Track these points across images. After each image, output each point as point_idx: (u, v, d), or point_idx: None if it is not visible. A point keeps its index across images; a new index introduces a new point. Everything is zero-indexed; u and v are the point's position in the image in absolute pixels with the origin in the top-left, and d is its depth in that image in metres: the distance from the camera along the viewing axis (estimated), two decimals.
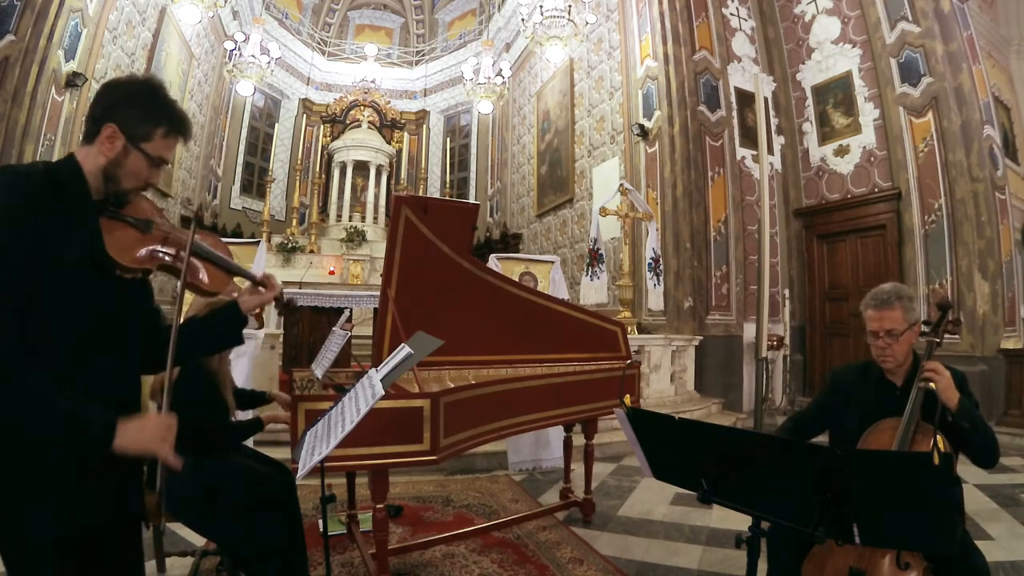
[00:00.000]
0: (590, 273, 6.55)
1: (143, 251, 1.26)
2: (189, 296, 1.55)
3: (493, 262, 5.31)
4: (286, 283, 8.25)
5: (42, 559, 1.12)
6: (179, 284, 1.30)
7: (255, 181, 13.13)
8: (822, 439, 2.04)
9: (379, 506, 2.13)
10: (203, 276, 1.39)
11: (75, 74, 6.44)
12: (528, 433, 3.44)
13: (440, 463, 2.07)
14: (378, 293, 2.65)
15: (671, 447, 1.47)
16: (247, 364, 4.18)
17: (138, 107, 1.22)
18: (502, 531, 3.07)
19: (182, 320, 1.32)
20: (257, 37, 10.59)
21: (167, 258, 1.30)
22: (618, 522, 3.36)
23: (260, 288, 1.46)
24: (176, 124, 1.27)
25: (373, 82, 13.85)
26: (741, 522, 1.68)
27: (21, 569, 1.12)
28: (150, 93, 1.25)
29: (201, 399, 2.08)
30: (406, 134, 14.19)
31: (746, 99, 7.51)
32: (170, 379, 1.26)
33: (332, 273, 10.64)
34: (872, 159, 7.01)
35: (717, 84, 7.53)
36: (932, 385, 1.67)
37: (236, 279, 1.51)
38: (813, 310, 7.75)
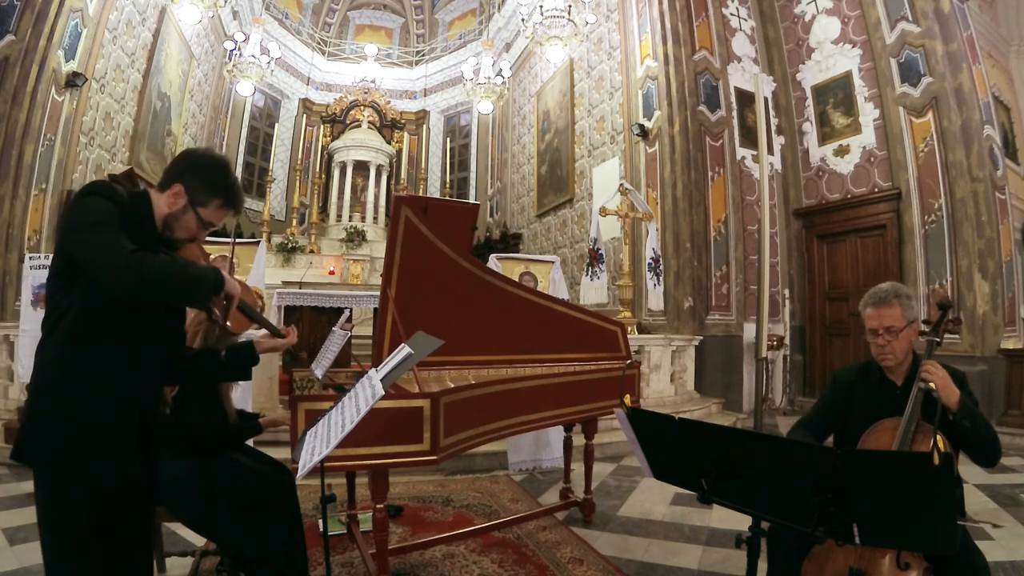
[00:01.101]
0: (590, 273, 6.55)
1: None
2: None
3: (493, 262, 5.30)
4: (286, 283, 8.25)
5: (82, 508, 1.29)
6: (217, 320, 1.54)
7: (255, 181, 13.13)
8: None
9: (379, 506, 2.13)
10: (230, 322, 1.65)
11: (75, 74, 6.44)
12: (528, 433, 3.44)
13: (440, 463, 2.07)
14: (378, 293, 2.65)
15: (671, 447, 1.47)
16: None
17: (204, 179, 1.48)
18: (502, 531, 3.07)
19: (196, 347, 1.67)
20: (257, 37, 10.59)
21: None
22: (618, 522, 3.36)
23: (277, 339, 1.79)
24: (230, 200, 1.54)
25: (373, 82, 13.86)
26: (741, 522, 1.68)
27: (60, 517, 1.30)
28: (217, 170, 1.52)
29: (202, 402, 2.09)
30: (406, 134, 14.19)
31: (746, 99, 7.50)
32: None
33: (332, 273, 10.65)
34: (872, 159, 7.01)
35: (717, 84, 7.53)
36: (932, 385, 1.67)
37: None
38: (813, 310, 7.75)
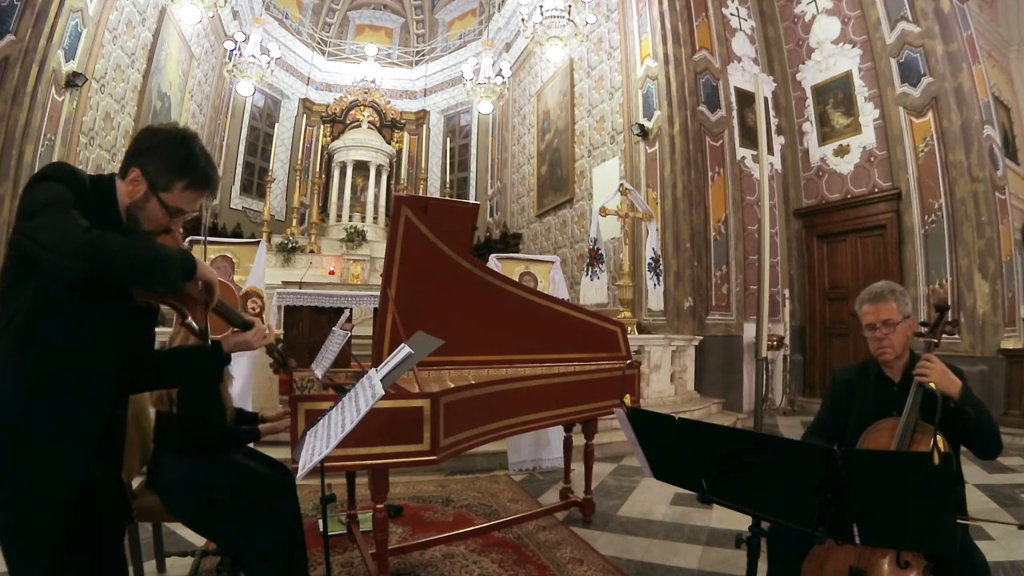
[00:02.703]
0: (590, 273, 6.55)
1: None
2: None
3: (493, 262, 5.30)
4: (286, 283, 8.25)
5: (43, 523, 1.18)
6: (192, 326, 1.40)
7: (255, 181, 13.13)
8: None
9: (379, 506, 2.13)
10: (200, 320, 1.45)
11: (75, 74, 6.44)
12: (528, 433, 3.44)
13: (440, 463, 2.07)
14: (378, 293, 2.64)
15: (671, 447, 1.48)
16: (247, 364, 4.18)
17: (164, 158, 1.28)
18: (502, 531, 3.07)
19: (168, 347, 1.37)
20: (257, 37, 10.59)
21: (175, 300, 1.36)
22: (618, 522, 3.36)
23: (246, 333, 1.55)
24: (198, 180, 1.32)
25: (373, 82, 13.85)
26: (741, 522, 1.68)
27: (22, 535, 1.17)
28: (178, 145, 1.30)
29: (201, 400, 2.08)
30: (406, 134, 14.18)
31: (746, 99, 7.50)
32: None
33: (332, 273, 10.64)
34: (872, 159, 7.01)
35: (717, 84, 7.53)
36: (932, 385, 1.67)
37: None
38: (813, 310, 7.75)
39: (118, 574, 1.40)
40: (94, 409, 1.26)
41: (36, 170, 6.27)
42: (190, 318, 1.37)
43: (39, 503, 1.18)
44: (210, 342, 1.46)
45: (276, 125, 13.25)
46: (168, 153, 1.29)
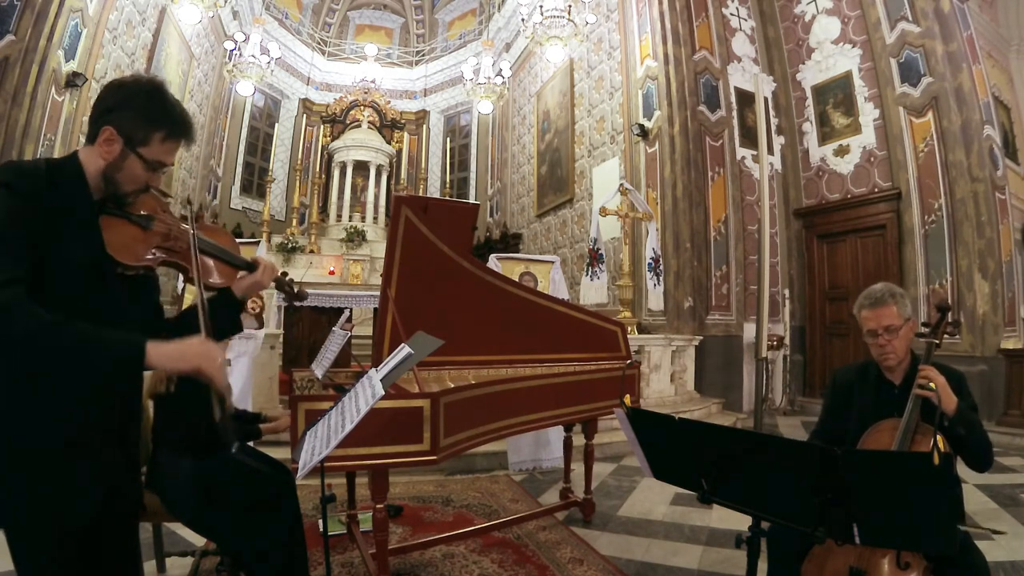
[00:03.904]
0: (590, 273, 6.55)
1: (144, 248, 1.26)
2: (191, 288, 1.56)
3: (493, 262, 5.30)
4: None
5: (54, 552, 1.12)
6: (197, 285, 1.31)
7: (255, 181, 13.13)
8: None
9: (379, 506, 2.13)
10: (215, 277, 1.42)
11: (75, 74, 6.44)
12: (528, 433, 3.44)
13: (440, 463, 2.07)
14: (378, 293, 2.64)
15: (671, 447, 1.48)
16: (247, 364, 4.18)
17: (136, 110, 1.20)
18: (502, 531, 3.07)
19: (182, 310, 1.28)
20: (257, 37, 10.59)
21: (170, 256, 1.30)
22: (618, 522, 3.36)
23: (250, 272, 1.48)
24: (176, 128, 1.25)
25: (373, 82, 13.85)
26: (741, 522, 1.68)
27: (34, 563, 1.12)
28: (149, 95, 1.22)
29: (201, 396, 2.07)
30: (406, 134, 14.19)
31: (746, 99, 7.50)
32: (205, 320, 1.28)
33: (332, 273, 10.65)
34: (872, 159, 7.01)
35: (717, 84, 7.53)
36: (932, 385, 1.67)
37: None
38: (813, 310, 7.75)
39: (133, 571, 1.36)
40: (109, 410, 1.21)
41: None
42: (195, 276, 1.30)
43: (67, 509, 1.12)
44: (220, 290, 1.42)
45: (276, 125, 13.25)
46: (140, 104, 1.21)
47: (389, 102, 14.03)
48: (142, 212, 1.28)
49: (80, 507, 1.13)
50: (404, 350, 1.47)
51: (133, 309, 1.27)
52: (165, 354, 1.12)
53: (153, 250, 1.27)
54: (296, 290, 1.81)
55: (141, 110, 1.21)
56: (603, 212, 6.58)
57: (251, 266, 1.49)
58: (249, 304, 4.33)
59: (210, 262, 1.41)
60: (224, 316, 1.42)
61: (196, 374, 1.16)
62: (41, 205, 1.10)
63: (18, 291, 1.03)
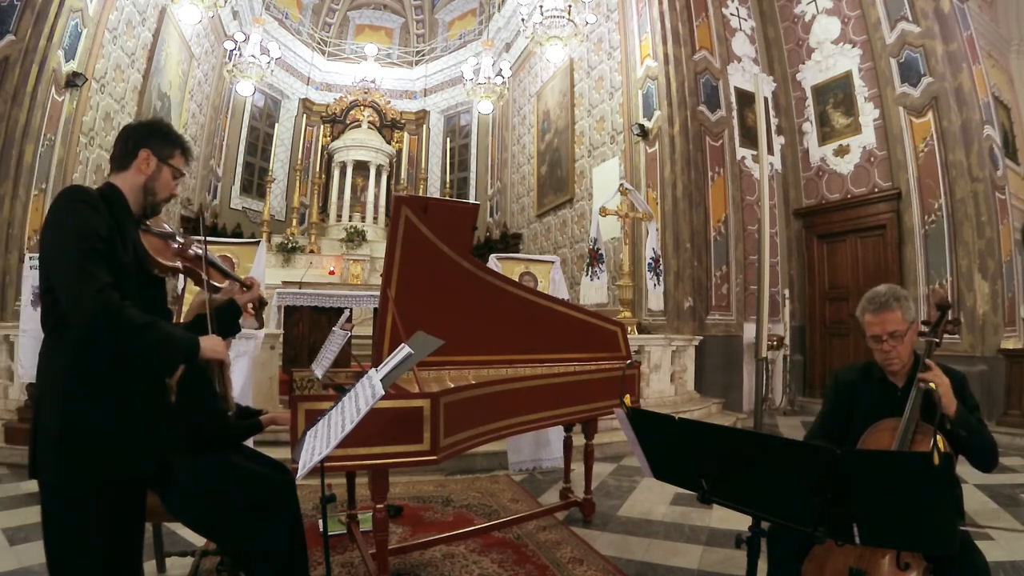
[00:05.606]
0: (590, 273, 6.55)
1: (170, 256, 1.64)
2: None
3: (493, 262, 5.30)
4: (286, 283, 8.25)
5: (90, 507, 1.38)
6: (204, 283, 1.70)
7: (255, 181, 13.12)
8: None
9: (379, 506, 2.13)
10: (217, 281, 1.79)
11: (75, 74, 6.44)
12: (528, 433, 3.44)
13: (440, 463, 2.07)
14: (378, 293, 2.64)
15: (671, 447, 1.48)
16: (247, 364, 4.17)
17: (161, 137, 1.65)
18: (502, 531, 3.07)
19: (183, 320, 1.74)
20: (257, 37, 10.59)
21: (188, 263, 1.69)
22: (618, 522, 3.36)
23: (246, 288, 1.86)
24: (186, 148, 1.74)
25: (373, 82, 13.85)
26: (741, 522, 1.68)
27: (67, 513, 1.38)
28: (165, 126, 1.70)
29: (202, 395, 2.07)
30: (406, 134, 14.19)
31: (746, 99, 7.50)
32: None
33: (332, 273, 10.65)
34: (872, 159, 7.01)
35: (717, 84, 7.53)
36: (932, 385, 1.67)
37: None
38: (813, 310, 7.75)
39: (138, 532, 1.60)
40: (151, 394, 1.47)
41: (36, 170, 6.21)
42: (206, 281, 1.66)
43: (94, 494, 1.38)
44: (226, 300, 1.79)
45: (276, 125, 13.25)
46: (163, 132, 1.66)
47: (389, 102, 14.03)
48: (166, 227, 1.70)
49: (143, 466, 1.46)
50: (404, 350, 1.47)
51: (161, 304, 1.66)
52: (208, 347, 1.53)
53: (175, 258, 1.65)
54: (260, 321, 2.14)
55: (164, 136, 1.66)
56: (603, 212, 6.58)
57: (237, 277, 1.87)
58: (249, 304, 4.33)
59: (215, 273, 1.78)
60: (230, 319, 1.79)
61: (219, 361, 1.60)
62: (108, 220, 1.44)
63: (116, 295, 1.35)
